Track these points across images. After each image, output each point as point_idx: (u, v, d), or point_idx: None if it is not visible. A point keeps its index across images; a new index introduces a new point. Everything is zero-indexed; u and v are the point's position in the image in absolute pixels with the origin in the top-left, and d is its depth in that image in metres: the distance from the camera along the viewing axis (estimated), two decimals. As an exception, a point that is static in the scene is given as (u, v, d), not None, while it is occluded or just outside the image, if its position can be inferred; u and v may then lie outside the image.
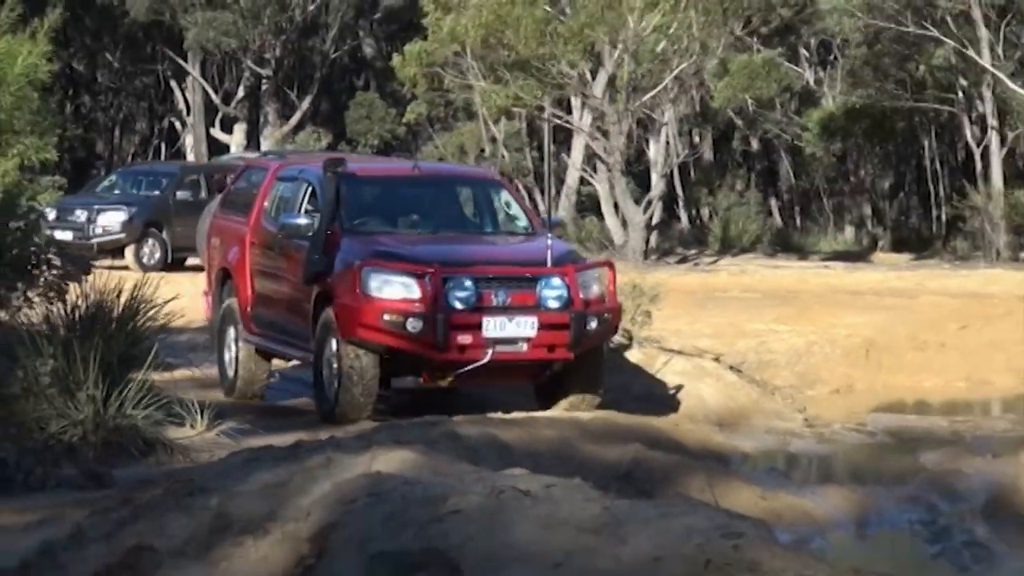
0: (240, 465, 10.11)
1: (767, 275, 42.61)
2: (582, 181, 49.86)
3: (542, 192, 55.48)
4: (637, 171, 56.52)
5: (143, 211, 37.83)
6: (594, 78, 46.26)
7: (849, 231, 61.03)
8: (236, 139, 66.19)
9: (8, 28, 17.62)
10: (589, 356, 16.26)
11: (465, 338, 15.47)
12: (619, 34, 44.85)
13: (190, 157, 63.78)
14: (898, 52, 52.50)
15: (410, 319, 15.33)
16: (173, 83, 69.15)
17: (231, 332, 18.51)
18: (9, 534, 9.62)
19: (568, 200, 51.69)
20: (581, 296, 15.87)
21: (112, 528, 8.58)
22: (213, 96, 66.56)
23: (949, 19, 48.46)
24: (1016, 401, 21.70)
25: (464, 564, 7.02)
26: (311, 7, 64.45)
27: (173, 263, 37.02)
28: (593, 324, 15.86)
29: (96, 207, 37.95)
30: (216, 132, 67.00)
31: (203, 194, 39.02)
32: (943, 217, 58.21)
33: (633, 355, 19.52)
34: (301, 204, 17.49)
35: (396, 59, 51.01)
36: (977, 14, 48.37)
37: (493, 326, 15.51)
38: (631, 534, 7.15)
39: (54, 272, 15.56)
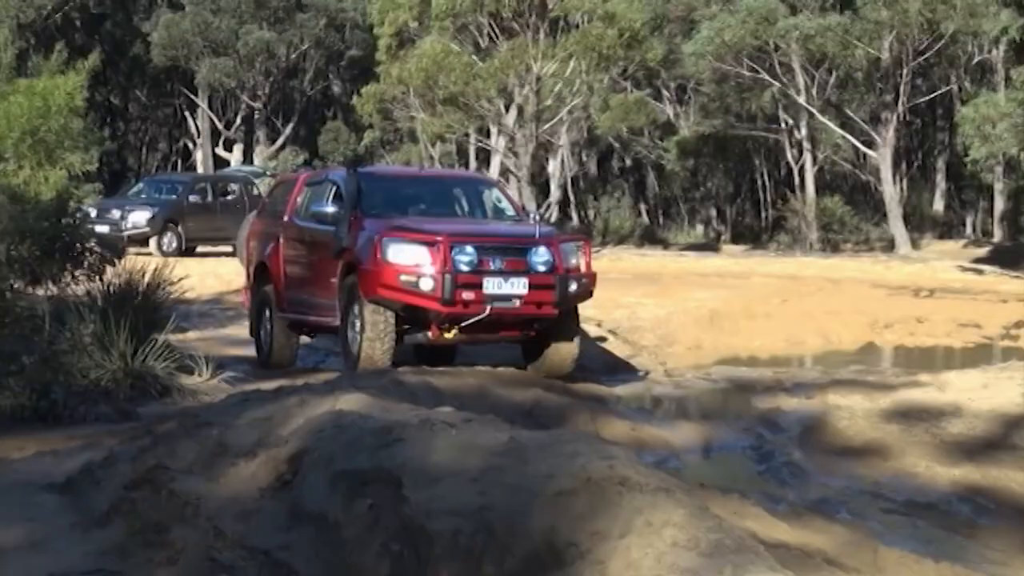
0: (235, 404, 10.07)
1: (637, 261, 42.79)
2: (498, 189, 49.80)
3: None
4: (539, 182, 56.56)
5: (164, 210, 37.58)
6: (507, 111, 46.33)
7: (699, 228, 61.31)
8: (235, 156, 66.37)
9: (57, 69, 17.50)
10: (566, 316, 15.42)
11: (469, 295, 14.45)
12: (525, 77, 45.01)
13: (200, 170, 63.70)
14: (737, 92, 52.70)
15: (423, 279, 14.38)
16: (187, 113, 69.10)
17: (266, 314, 17.48)
18: (58, 457, 9.57)
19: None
20: (564, 263, 14.96)
21: (137, 452, 8.55)
22: (217, 123, 66.63)
23: (777, 67, 48.68)
24: (823, 356, 21.78)
25: (405, 479, 7.00)
26: (293, 56, 64.68)
27: (186, 251, 36.84)
28: (573, 286, 14.99)
29: (127, 207, 37.70)
30: (220, 151, 67.12)
31: (210, 198, 38.97)
32: (770, 217, 58.49)
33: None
34: (327, 199, 16.44)
35: (356, 97, 51.10)
36: (796, 64, 48.65)
37: (492, 285, 14.52)
38: (531, 457, 7.14)
39: (94, 257, 15.45)
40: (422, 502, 6.79)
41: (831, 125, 50.41)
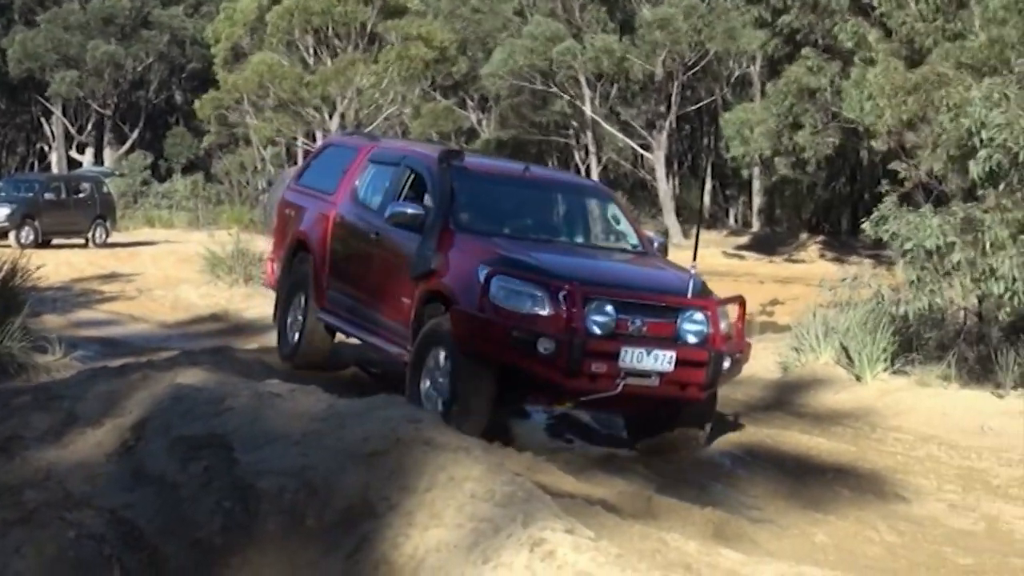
0: (85, 379, 9.85)
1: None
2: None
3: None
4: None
5: (22, 207, 36.74)
6: (331, 117, 46.28)
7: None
8: (87, 158, 65.43)
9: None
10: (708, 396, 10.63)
11: (599, 367, 9.71)
12: (347, 88, 45.01)
13: (55, 170, 62.35)
14: (532, 103, 53.04)
15: (542, 339, 9.60)
16: (42, 119, 67.64)
17: (299, 301, 12.67)
18: (-79, 431, 9.32)
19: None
20: (720, 334, 10.21)
21: (-7, 424, 8.37)
22: (70, 128, 65.58)
23: (565, 81, 49.15)
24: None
25: (235, 443, 6.96)
26: (138, 68, 63.79)
27: (42, 243, 36.04)
28: (727, 364, 10.24)
29: (-12, 204, 36.94)
30: (73, 153, 65.91)
31: (64, 195, 38.18)
32: (562, 211, 58.97)
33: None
34: (402, 191, 11.60)
35: (196, 104, 50.69)
36: (582, 79, 49.14)
37: (630, 357, 9.74)
38: (348, 422, 7.14)
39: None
40: (251, 463, 6.75)
41: (613, 131, 51.03)
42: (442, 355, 10.12)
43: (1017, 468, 10.73)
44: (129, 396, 8.23)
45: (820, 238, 50.30)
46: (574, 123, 53.49)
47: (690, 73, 49.28)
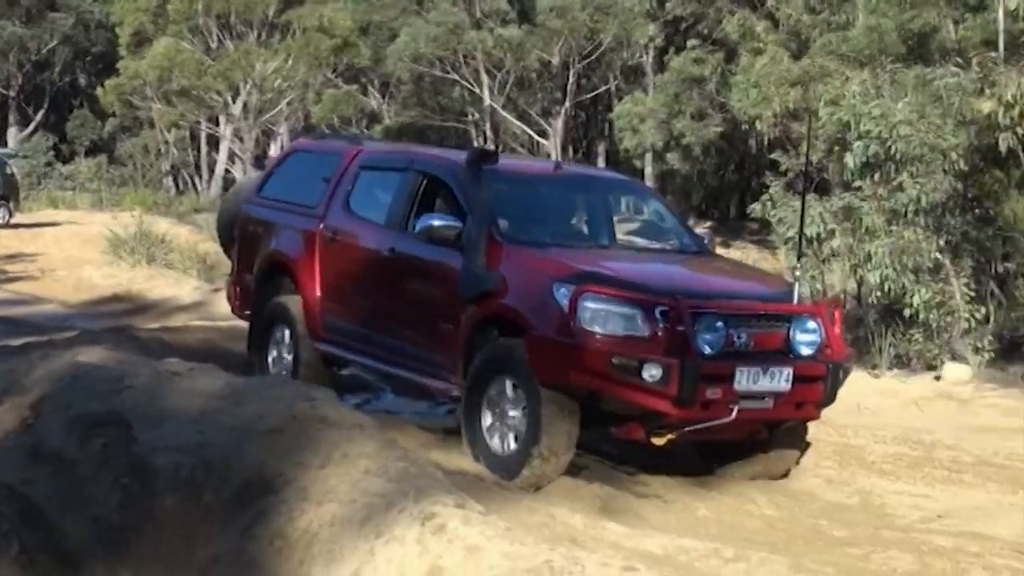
0: (-16, 359, 9.75)
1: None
2: (226, 170, 49.29)
3: (199, 177, 55.08)
4: (262, 164, 55.99)
5: (-76, 188, 36.19)
6: (234, 103, 46.00)
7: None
8: (-9, 140, 64.22)
9: None
10: None
11: (715, 392, 8.23)
12: (250, 74, 44.79)
13: (-42, 151, 61.32)
14: (432, 89, 52.99)
15: (648, 365, 8.04)
16: (-54, 101, 66.53)
17: (283, 333, 10.77)
18: None
19: (217, 184, 50.94)
20: (835, 344, 8.79)
21: None
22: (-27, 110, 64.40)
23: (465, 69, 49.18)
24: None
25: (133, 421, 6.92)
26: (44, 51, 62.81)
27: (-51, 223, 35.55)
28: (841, 377, 8.82)
29: None
30: (-24, 135, 64.80)
31: (-36, 177, 37.54)
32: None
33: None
34: (416, 201, 9.81)
35: (100, 89, 50.18)
36: (481, 67, 49.19)
37: (746, 379, 8.28)
38: (245, 400, 7.12)
39: None
40: (149, 441, 6.73)
41: (510, 118, 51.11)
42: (509, 385, 8.61)
43: (890, 445, 10.93)
44: (29, 374, 8.13)
45: (709, 223, 50.75)
46: (472, 110, 53.51)
47: (585, 62, 49.50)
